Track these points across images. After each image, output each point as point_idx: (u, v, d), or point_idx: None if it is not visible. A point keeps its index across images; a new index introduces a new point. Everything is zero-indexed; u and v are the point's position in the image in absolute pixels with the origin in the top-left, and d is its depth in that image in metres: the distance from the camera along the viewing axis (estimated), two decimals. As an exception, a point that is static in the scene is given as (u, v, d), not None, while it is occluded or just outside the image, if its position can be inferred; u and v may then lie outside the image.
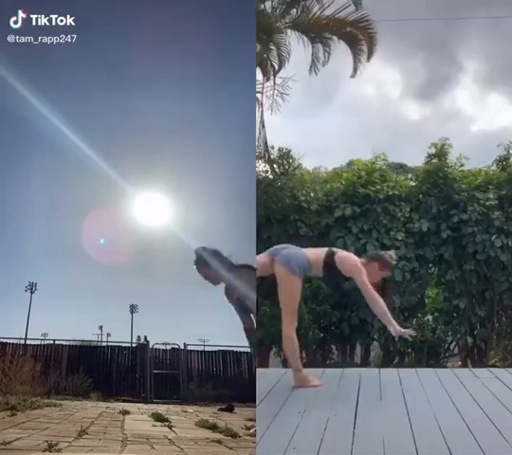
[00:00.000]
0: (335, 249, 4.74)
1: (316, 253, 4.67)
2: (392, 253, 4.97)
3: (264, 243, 10.59)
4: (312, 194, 10.80)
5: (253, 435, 3.89)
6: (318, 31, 10.63)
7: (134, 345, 10.26)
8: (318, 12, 10.50)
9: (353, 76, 11.13)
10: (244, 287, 3.72)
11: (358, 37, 10.64)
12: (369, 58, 10.83)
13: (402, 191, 10.78)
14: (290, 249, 4.68)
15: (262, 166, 10.93)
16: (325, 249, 4.71)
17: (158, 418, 5.52)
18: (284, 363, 10.96)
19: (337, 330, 10.93)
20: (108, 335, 11.37)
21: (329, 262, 4.61)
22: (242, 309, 3.83)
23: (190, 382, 9.41)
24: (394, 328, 4.52)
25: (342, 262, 4.60)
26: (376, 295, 4.55)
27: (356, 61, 10.85)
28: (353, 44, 10.74)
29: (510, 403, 4.03)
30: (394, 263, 5.02)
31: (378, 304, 4.55)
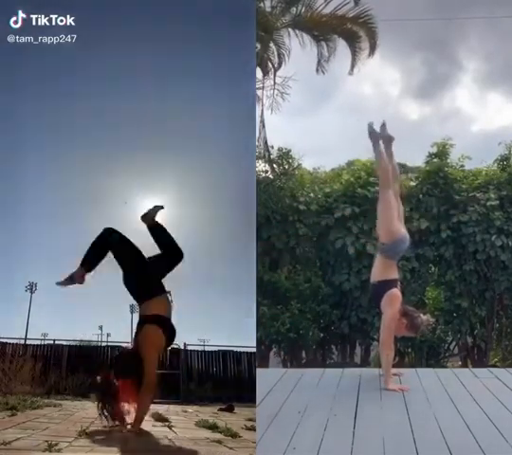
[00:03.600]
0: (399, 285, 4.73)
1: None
2: (429, 319, 4.83)
3: (264, 243, 10.64)
4: (311, 195, 10.80)
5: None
6: (319, 29, 10.62)
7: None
8: (318, 10, 10.50)
9: (350, 73, 11.13)
10: None
11: (358, 34, 10.62)
12: (370, 54, 10.80)
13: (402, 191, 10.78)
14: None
15: (262, 166, 10.95)
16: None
17: (158, 418, 5.50)
18: (284, 363, 10.95)
19: (336, 330, 10.93)
20: (108, 335, 11.37)
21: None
22: None
23: (190, 382, 9.38)
24: (387, 382, 4.54)
25: (388, 298, 4.60)
26: (391, 345, 4.59)
27: (355, 58, 10.84)
28: (352, 41, 10.72)
29: (510, 403, 4.03)
30: (424, 329, 4.88)
31: (388, 356, 4.59)
